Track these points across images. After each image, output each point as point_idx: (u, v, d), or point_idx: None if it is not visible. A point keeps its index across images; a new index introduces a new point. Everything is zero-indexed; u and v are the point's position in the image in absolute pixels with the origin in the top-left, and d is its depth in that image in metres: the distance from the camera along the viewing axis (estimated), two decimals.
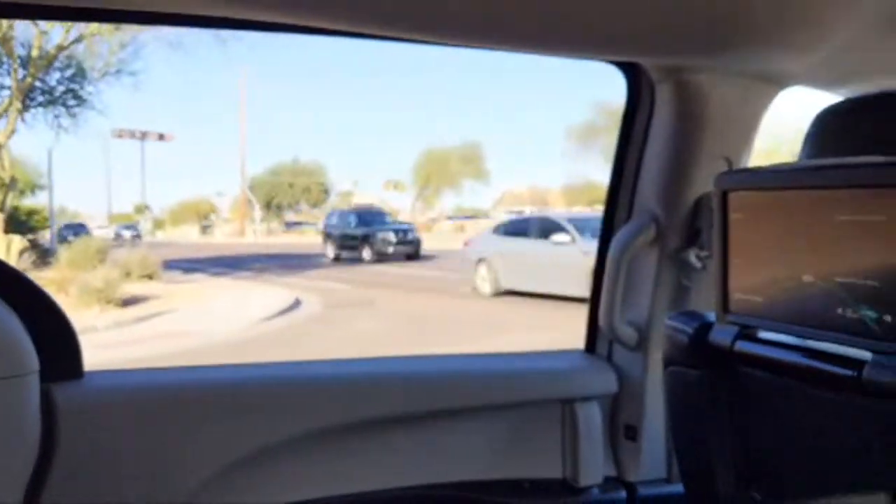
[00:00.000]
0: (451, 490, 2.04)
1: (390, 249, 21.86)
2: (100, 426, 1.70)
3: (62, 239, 21.27)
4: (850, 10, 1.60)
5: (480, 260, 15.10)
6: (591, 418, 2.13)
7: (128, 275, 15.98)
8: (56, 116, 19.19)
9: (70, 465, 1.65)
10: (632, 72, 2.08)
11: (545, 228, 14.28)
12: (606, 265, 2.07)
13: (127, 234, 30.58)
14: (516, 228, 15.53)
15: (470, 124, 58.50)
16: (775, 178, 1.32)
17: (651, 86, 2.05)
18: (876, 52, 1.82)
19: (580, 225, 13.51)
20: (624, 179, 2.17)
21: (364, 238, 22.29)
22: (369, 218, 23.91)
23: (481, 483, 2.08)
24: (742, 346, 1.38)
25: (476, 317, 12.67)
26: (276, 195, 40.61)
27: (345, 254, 22.71)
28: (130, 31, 18.67)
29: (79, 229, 25.69)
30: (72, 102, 19.32)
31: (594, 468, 2.13)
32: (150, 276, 16.92)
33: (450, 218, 37.92)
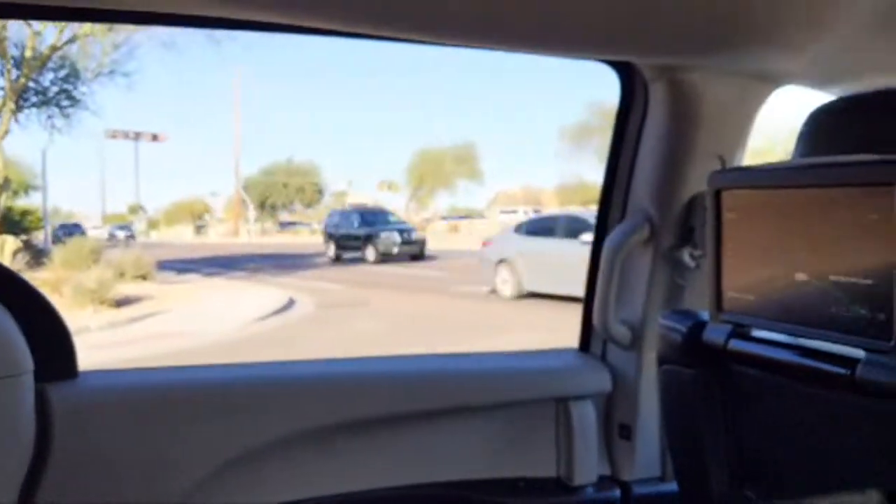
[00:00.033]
0: (445, 489, 2.04)
1: (395, 250, 21.63)
2: (94, 426, 1.70)
3: (57, 239, 21.26)
4: (844, 9, 1.60)
5: (501, 261, 14.45)
6: (586, 417, 2.13)
7: (122, 275, 15.94)
8: (50, 117, 19.22)
9: (64, 464, 1.65)
10: (625, 71, 2.08)
11: (574, 227, 13.27)
12: (600, 264, 2.08)
13: (121, 234, 30.53)
14: (541, 227, 14.78)
15: (464, 125, 58.60)
16: (769, 176, 1.33)
17: (644, 85, 2.05)
18: (869, 52, 1.83)
19: None
20: (618, 178, 2.17)
21: (367, 238, 22.02)
22: (372, 218, 23.65)
23: (475, 482, 2.08)
24: (736, 344, 1.39)
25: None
26: (271, 195, 40.58)
27: (347, 254, 22.49)
28: (124, 31, 18.66)
29: (74, 229, 25.66)
30: (65, 103, 19.34)
31: (588, 467, 2.14)
32: (143, 277, 16.89)
33: (444, 218, 37.91)
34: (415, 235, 22.84)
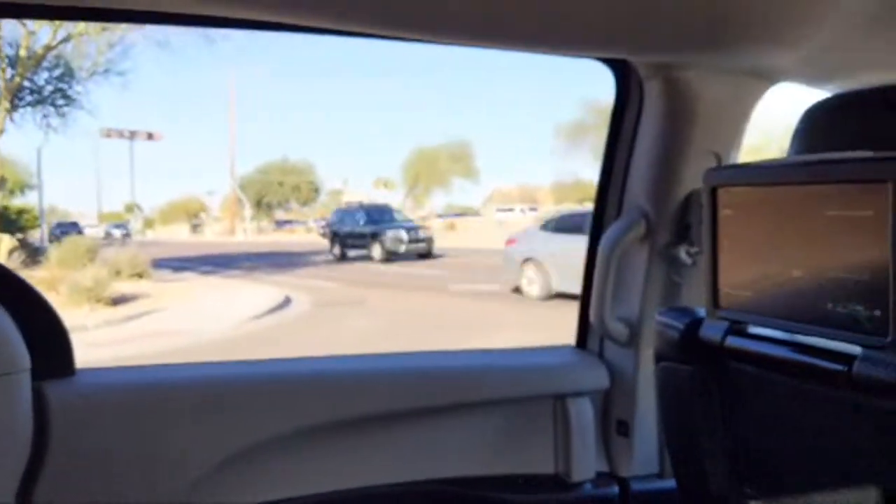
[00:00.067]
0: (444, 486, 2.04)
1: (402, 248, 21.28)
2: (92, 423, 1.70)
3: (54, 238, 21.25)
4: (839, 6, 1.60)
5: (527, 260, 13.81)
6: (583, 414, 2.14)
7: (118, 273, 15.94)
8: (45, 116, 19.24)
9: (62, 461, 1.65)
10: (620, 69, 2.08)
11: None
12: (597, 261, 2.08)
13: (117, 232, 30.52)
14: (571, 224, 13.53)
15: (459, 122, 58.56)
16: (764, 173, 1.33)
17: (640, 83, 2.05)
18: (864, 49, 1.83)
19: None
20: (613, 176, 2.17)
21: (374, 236, 21.69)
22: (378, 215, 23.28)
23: (474, 479, 2.08)
24: (732, 341, 1.39)
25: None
26: (266, 194, 40.57)
27: (352, 252, 22.16)
28: (118, 30, 18.65)
29: (70, 228, 25.63)
30: (60, 102, 19.35)
31: (586, 463, 2.14)
32: (139, 275, 16.88)
33: (440, 216, 37.91)
34: (422, 233, 22.45)
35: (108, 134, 31.80)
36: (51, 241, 20.89)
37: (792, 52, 1.78)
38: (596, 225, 2.22)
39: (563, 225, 14.01)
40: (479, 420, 2.10)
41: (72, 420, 1.67)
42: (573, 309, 2.29)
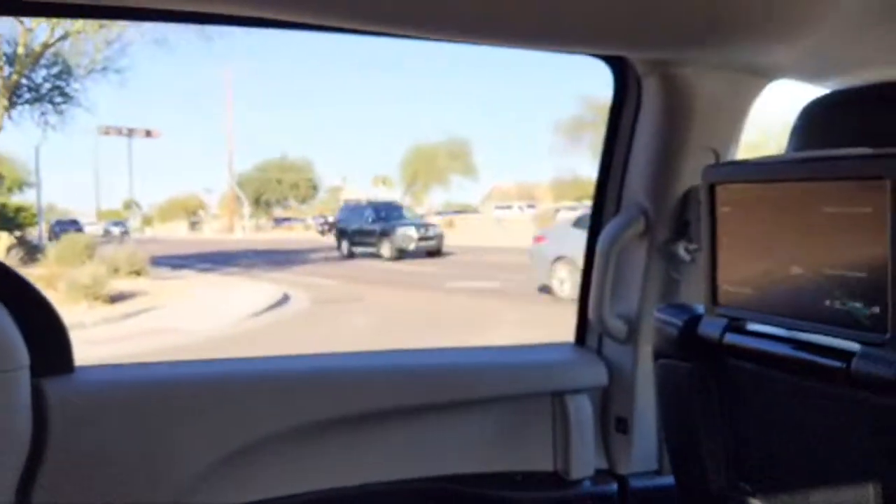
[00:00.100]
0: (442, 483, 2.04)
1: (412, 246, 20.83)
2: (91, 420, 1.70)
3: (54, 235, 21.24)
4: (837, 3, 1.60)
5: (559, 258, 13.25)
6: (582, 411, 2.14)
7: (116, 271, 15.91)
8: (43, 114, 19.19)
9: (61, 459, 1.65)
10: (618, 66, 2.08)
11: None
12: (595, 258, 2.08)
13: (115, 230, 30.46)
14: None
15: (457, 120, 58.49)
16: (762, 170, 1.33)
17: (638, 79, 2.05)
18: (861, 45, 1.83)
19: None
20: (612, 173, 2.17)
21: (383, 234, 21.30)
22: (386, 212, 22.79)
23: (472, 476, 2.08)
24: (731, 338, 1.39)
25: None
26: (265, 191, 40.49)
27: (360, 250, 21.67)
28: (116, 28, 18.62)
29: (69, 226, 25.60)
30: (58, 99, 19.32)
31: (585, 461, 2.14)
32: (138, 273, 16.84)
33: (439, 213, 37.86)
34: (432, 231, 22.06)
35: (106, 131, 31.70)
36: (50, 238, 20.88)
37: (790, 48, 1.78)
38: (595, 221, 2.22)
39: None
40: (478, 417, 2.10)
41: (71, 417, 1.67)
42: None
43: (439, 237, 21.81)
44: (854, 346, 1.17)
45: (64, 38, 18.48)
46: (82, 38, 18.99)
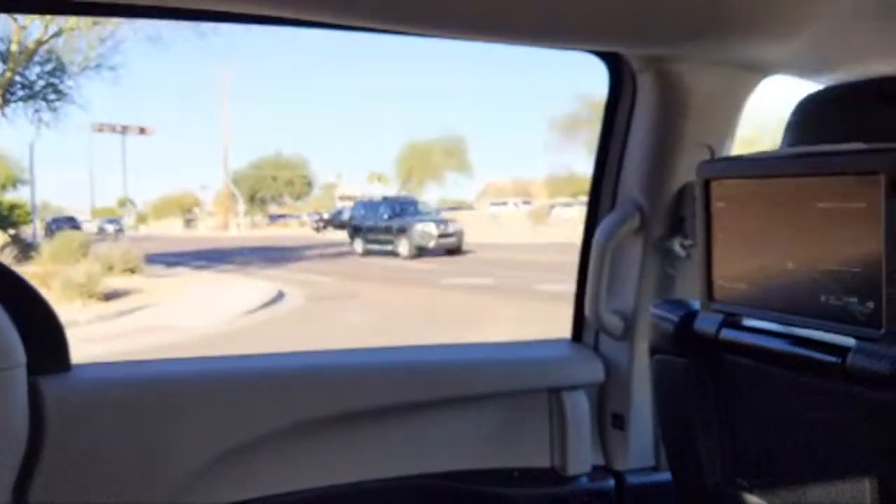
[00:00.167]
0: (440, 480, 2.04)
1: (431, 243, 20.12)
2: (88, 419, 1.70)
3: (51, 233, 21.22)
4: None
5: None
6: (579, 407, 2.14)
7: (110, 269, 15.89)
8: (36, 111, 19.14)
9: (58, 457, 1.65)
10: (613, 62, 2.08)
11: None
12: (591, 254, 2.08)
13: (110, 228, 30.36)
14: None
15: (452, 116, 58.48)
16: (757, 166, 1.34)
17: (633, 76, 2.05)
18: (856, 40, 1.83)
19: None
20: (607, 169, 2.17)
21: (400, 231, 20.50)
22: (401, 208, 21.89)
23: (469, 473, 2.08)
24: (727, 333, 1.40)
25: None
26: (260, 189, 40.42)
27: (376, 248, 20.82)
28: (109, 25, 18.58)
29: (66, 223, 25.54)
30: (52, 97, 19.27)
31: (582, 457, 2.14)
32: (132, 271, 16.83)
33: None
34: (452, 227, 21.05)
35: (100, 129, 31.63)
36: (47, 235, 20.85)
37: (785, 44, 1.79)
38: (590, 218, 2.22)
39: None
40: (475, 414, 2.10)
41: (67, 415, 1.67)
42: None
43: (459, 234, 21.03)
44: (849, 342, 1.18)
45: (58, 35, 18.47)
46: (76, 35, 19.00)
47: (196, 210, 42.14)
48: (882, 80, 1.43)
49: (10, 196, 23.18)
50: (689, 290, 1.95)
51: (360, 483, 1.97)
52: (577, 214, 22.37)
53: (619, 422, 2.17)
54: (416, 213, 21.90)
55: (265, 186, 40.62)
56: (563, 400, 2.13)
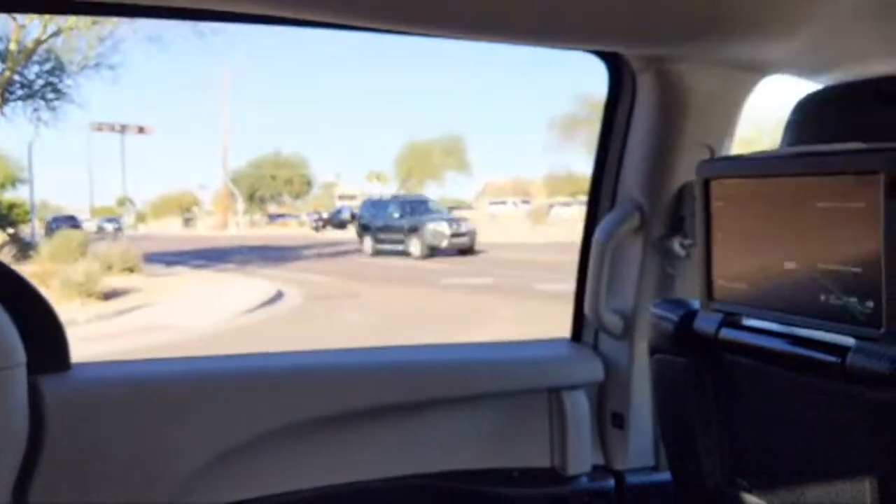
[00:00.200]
0: (438, 480, 2.04)
1: (444, 243, 19.50)
2: (88, 418, 1.70)
3: (51, 231, 21.22)
4: None
5: None
6: (578, 407, 2.14)
7: (109, 268, 15.88)
8: (35, 110, 19.12)
9: (58, 456, 1.65)
10: (613, 62, 2.09)
11: None
12: (591, 253, 2.08)
13: (109, 227, 30.34)
14: None
15: (452, 116, 58.45)
16: (756, 165, 1.34)
17: (632, 75, 2.06)
18: (855, 40, 1.84)
19: None
20: (607, 168, 2.18)
21: (412, 230, 19.91)
22: (412, 207, 21.22)
23: (469, 472, 2.08)
24: (727, 333, 1.40)
25: None
26: (259, 188, 40.37)
27: (387, 248, 20.25)
28: (109, 24, 18.57)
29: (66, 222, 25.52)
30: (51, 96, 19.26)
31: (582, 457, 2.14)
32: (131, 270, 16.81)
33: None
34: (464, 227, 20.40)
35: (98, 128, 31.57)
36: (47, 234, 20.84)
37: (784, 44, 1.79)
38: (590, 217, 2.22)
39: None
40: (474, 414, 2.10)
41: (67, 415, 1.67)
42: None
43: (472, 233, 20.48)
44: (849, 341, 1.18)
45: (57, 34, 18.45)
46: (75, 34, 18.98)
47: (195, 209, 42.09)
48: (881, 80, 1.44)
49: (9, 195, 23.17)
50: (689, 290, 1.95)
51: (359, 483, 1.97)
52: (575, 214, 22.37)
53: (619, 421, 2.17)
54: (428, 211, 21.37)
55: (264, 186, 40.58)
56: (563, 399, 2.13)
